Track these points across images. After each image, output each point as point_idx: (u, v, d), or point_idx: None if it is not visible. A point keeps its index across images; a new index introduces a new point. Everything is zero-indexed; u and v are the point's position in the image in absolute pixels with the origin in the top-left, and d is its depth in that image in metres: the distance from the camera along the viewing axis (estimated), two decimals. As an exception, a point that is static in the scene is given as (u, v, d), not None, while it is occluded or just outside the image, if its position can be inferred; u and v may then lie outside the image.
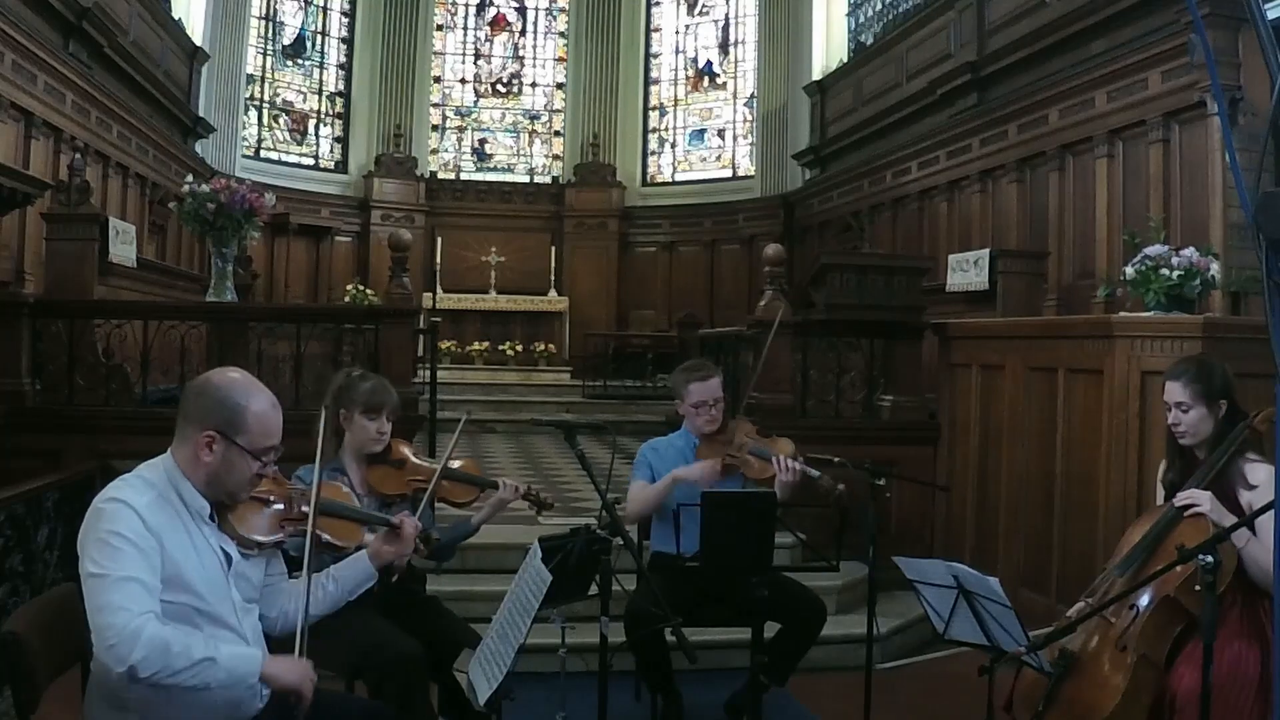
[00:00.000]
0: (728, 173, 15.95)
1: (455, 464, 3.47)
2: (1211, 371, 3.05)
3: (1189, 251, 4.90)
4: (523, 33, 16.77)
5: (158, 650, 2.04)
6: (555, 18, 16.73)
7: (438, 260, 13.91)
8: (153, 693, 2.12)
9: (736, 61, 15.91)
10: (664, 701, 3.77)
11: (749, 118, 15.64)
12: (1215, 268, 4.96)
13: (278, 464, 2.37)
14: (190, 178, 6.46)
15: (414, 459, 3.43)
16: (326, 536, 2.49)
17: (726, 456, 3.82)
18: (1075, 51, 8.12)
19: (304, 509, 2.39)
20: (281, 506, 2.39)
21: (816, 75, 13.62)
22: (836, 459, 3.84)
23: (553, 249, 15.17)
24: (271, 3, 14.85)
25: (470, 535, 3.57)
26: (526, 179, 16.36)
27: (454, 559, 4.27)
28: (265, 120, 14.92)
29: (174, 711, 2.16)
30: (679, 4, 16.40)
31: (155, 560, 2.11)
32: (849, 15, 13.35)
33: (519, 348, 13.68)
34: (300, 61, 15.34)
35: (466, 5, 16.56)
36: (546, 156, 16.61)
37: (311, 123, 15.45)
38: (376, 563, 2.61)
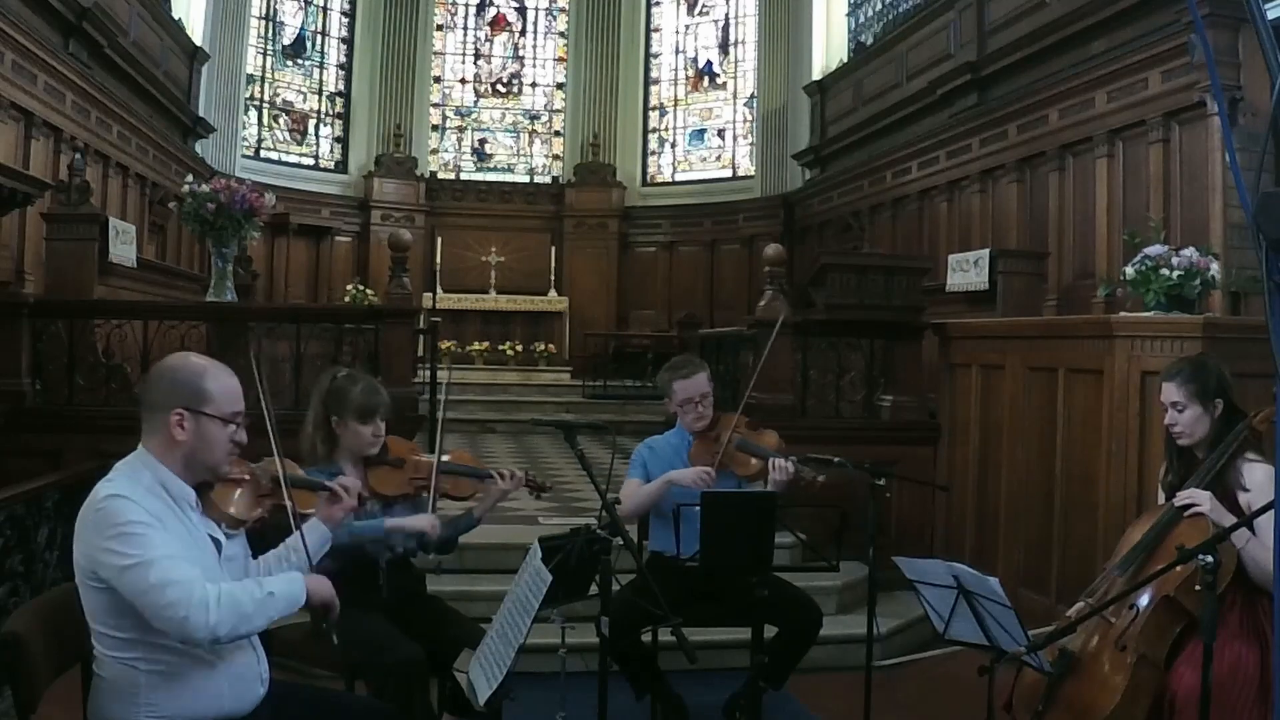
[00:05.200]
0: (728, 173, 15.95)
1: (450, 456, 3.44)
2: (1206, 371, 3.06)
3: (1189, 251, 4.89)
4: (523, 33, 16.77)
5: (229, 607, 2.12)
6: (555, 18, 16.73)
7: (438, 260, 13.91)
8: (163, 683, 2.16)
9: (736, 61, 15.91)
10: (658, 701, 3.76)
11: (749, 118, 15.64)
12: (1215, 268, 4.95)
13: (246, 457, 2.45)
14: (190, 178, 6.45)
15: (412, 456, 3.40)
16: (299, 507, 2.59)
17: (720, 455, 3.81)
18: (1075, 51, 8.12)
19: (270, 484, 2.51)
20: (252, 484, 2.48)
21: (816, 75, 13.62)
22: (836, 459, 3.83)
23: (553, 249, 15.17)
24: (271, 3, 14.85)
25: (473, 527, 3.56)
26: (526, 179, 16.36)
27: (453, 559, 4.27)
28: (265, 120, 14.92)
29: (182, 701, 2.19)
30: (679, 4, 16.39)
31: (172, 536, 2.15)
32: (849, 15, 13.35)
33: (519, 348, 13.68)
34: (300, 61, 15.34)
35: (466, 5, 16.56)
36: (546, 156, 16.61)
37: (311, 123, 15.45)
38: (329, 525, 2.69)
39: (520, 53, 16.76)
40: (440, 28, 16.38)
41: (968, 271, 7.42)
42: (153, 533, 2.11)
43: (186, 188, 6.05)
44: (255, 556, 2.56)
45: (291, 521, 2.47)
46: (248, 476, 2.46)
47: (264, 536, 2.65)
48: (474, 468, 3.48)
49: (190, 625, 2.07)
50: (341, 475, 3.25)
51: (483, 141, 16.57)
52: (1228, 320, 5.33)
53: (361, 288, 12.57)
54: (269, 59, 14.90)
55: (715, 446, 3.80)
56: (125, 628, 2.14)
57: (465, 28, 16.58)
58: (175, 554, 2.12)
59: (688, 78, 16.39)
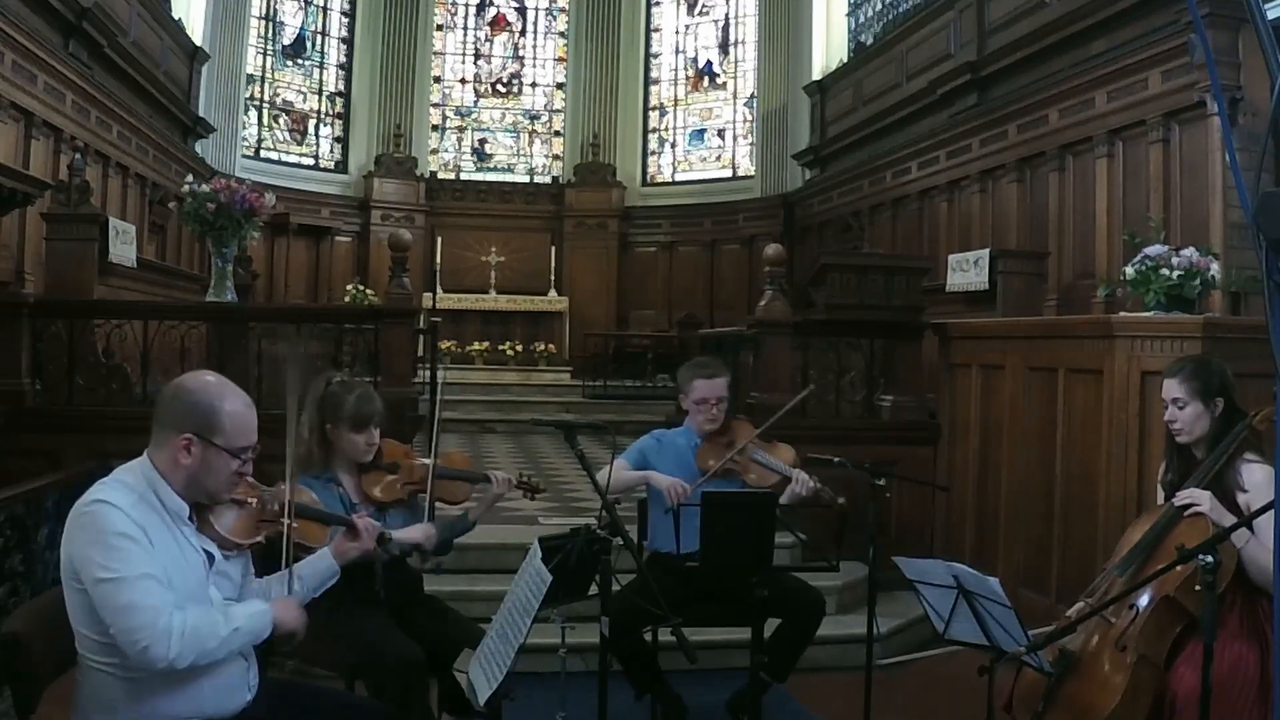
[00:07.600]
0: (728, 173, 15.95)
1: (444, 460, 3.43)
2: (1209, 369, 3.06)
3: (1189, 251, 4.89)
4: (523, 33, 16.77)
5: (191, 640, 2.10)
6: (555, 18, 16.73)
7: (438, 260, 13.91)
8: (140, 692, 2.15)
9: (736, 61, 15.91)
10: (658, 702, 3.76)
11: (749, 118, 15.64)
12: (1215, 268, 4.95)
13: (257, 467, 2.40)
14: (190, 178, 6.45)
15: (406, 460, 3.38)
16: (299, 538, 2.52)
17: (728, 461, 3.80)
18: (1075, 51, 8.12)
19: (277, 509, 2.44)
20: (257, 508, 2.42)
21: (816, 75, 13.63)
22: (836, 459, 3.83)
23: (553, 249, 15.17)
24: (271, 3, 14.85)
25: (467, 531, 3.55)
26: (526, 179, 16.37)
27: (453, 559, 4.26)
28: (265, 120, 14.92)
29: (161, 709, 2.18)
30: (679, 4, 16.40)
31: (154, 553, 2.13)
32: (849, 15, 13.35)
33: (519, 348, 13.68)
34: (300, 61, 15.34)
35: (466, 5, 16.57)
36: (546, 156, 16.61)
37: (311, 123, 15.45)
38: (340, 560, 2.63)
39: (520, 53, 16.76)
40: (440, 28, 16.38)
41: (968, 271, 7.42)
42: (134, 548, 2.09)
43: (186, 188, 6.06)
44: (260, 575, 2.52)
45: (284, 555, 2.42)
46: (252, 500, 2.41)
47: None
48: (468, 471, 3.47)
49: (150, 655, 2.06)
50: (342, 488, 3.25)
51: (483, 141, 16.57)
52: (1228, 320, 5.33)
53: (361, 288, 12.58)
54: (269, 59, 14.90)
55: (725, 452, 3.80)
56: (103, 632, 2.12)
57: (465, 28, 16.59)
58: (151, 574, 2.09)
59: (688, 78, 16.39)
